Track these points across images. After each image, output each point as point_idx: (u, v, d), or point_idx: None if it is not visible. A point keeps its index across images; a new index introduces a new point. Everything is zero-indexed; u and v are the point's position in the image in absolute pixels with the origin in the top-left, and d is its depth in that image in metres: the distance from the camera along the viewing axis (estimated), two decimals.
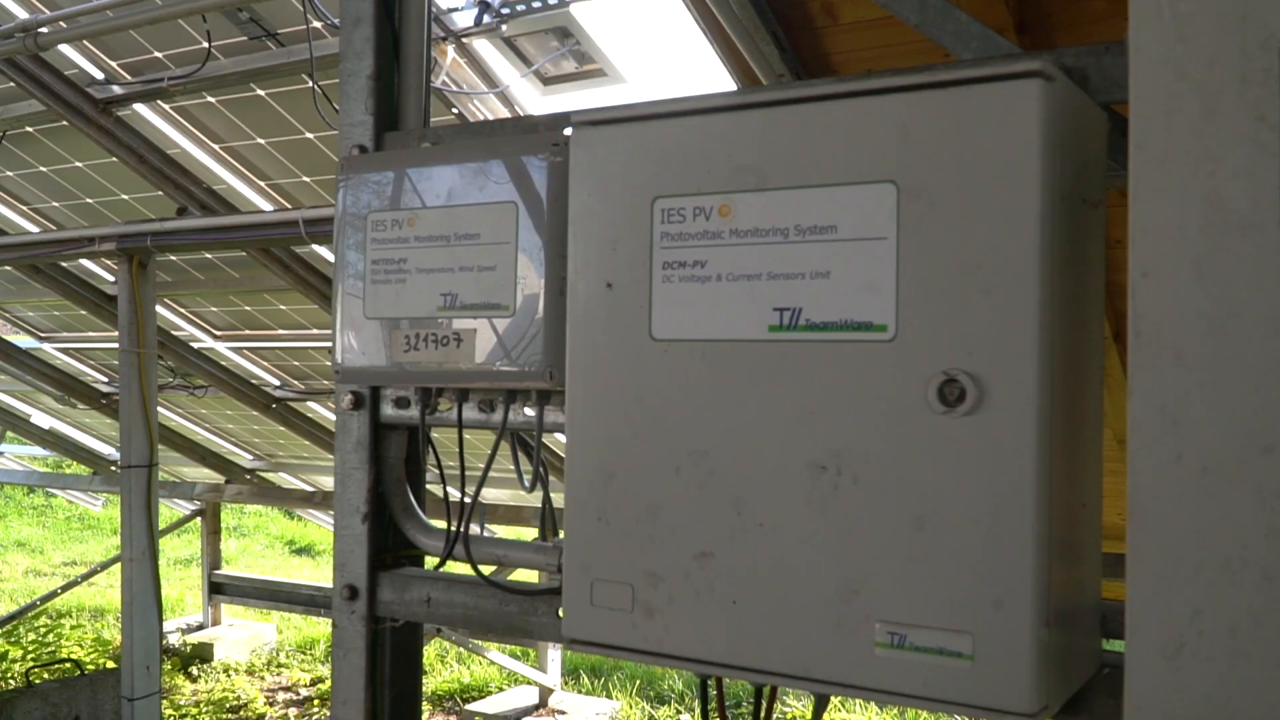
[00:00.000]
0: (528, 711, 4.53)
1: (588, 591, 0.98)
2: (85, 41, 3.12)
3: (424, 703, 1.81)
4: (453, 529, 1.31)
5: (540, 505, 1.32)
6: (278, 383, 4.83)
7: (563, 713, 4.53)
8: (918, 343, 0.83)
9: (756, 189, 0.91)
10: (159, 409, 3.70)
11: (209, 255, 4.00)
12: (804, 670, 0.88)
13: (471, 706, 4.58)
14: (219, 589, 5.12)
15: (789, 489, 0.88)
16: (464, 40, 2.86)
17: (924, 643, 0.83)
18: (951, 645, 0.82)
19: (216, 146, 3.51)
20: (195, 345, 4.58)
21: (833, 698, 1.05)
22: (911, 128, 0.84)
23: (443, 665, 5.21)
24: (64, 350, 5.16)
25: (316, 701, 4.75)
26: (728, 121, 0.93)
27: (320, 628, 5.59)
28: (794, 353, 0.88)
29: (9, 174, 3.96)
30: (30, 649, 4.58)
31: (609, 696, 4.79)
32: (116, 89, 3.29)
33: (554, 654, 4.64)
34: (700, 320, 0.93)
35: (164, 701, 4.16)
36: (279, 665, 5.28)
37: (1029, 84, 0.80)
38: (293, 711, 4.65)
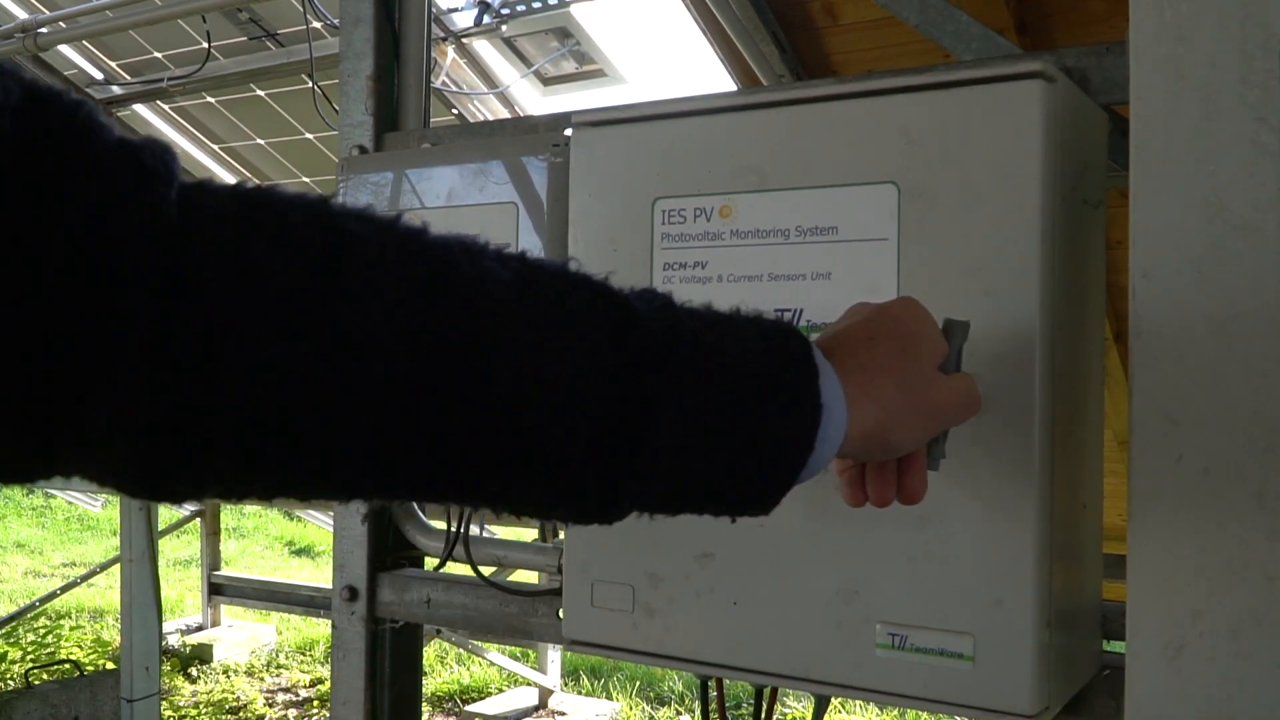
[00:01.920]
0: (527, 712, 4.53)
1: (588, 592, 0.98)
2: (85, 42, 3.12)
3: (424, 704, 1.81)
4: (452, 530, 1.30)
5: None
6: None
7: (562, 714, 4.52)
8: None
9: (757, 190, 0.90)
10: None
11: None
12: (804, 671, 0.88)
13: (471, 707, 4.57)
14: (218, 590, 5.11)
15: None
16: (464, 40, 2.86)
17: (925, 644, 0.82)
18: (952, 646, 0.81)
19: (216, 147, 3.51)
20: None
21: (833, 699, 1.05)
22: (913, 129, 0.84)
23: (442, 666, 5.21)
24: None
25: (316, 702, 4.74)
26: (728, 122, 0.93)
27: (320, 629, 5.58)
28: None
29: None
30: (29, 650, 4.58)
31: (609, 698, 4.79)
32: (116, 89, 3.29)
33: (554, 655, 4.63)
34: None
35: (163, 702, 4.16)
36: (278, 666, 5.28)
37: (1030, 85, 0.80)
38: (292, 712, 4.65)
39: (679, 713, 4.63)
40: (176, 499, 0.43)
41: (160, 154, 0.39)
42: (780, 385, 0.53)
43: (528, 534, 1.70)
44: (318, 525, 7.24)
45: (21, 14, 3.00)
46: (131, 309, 0.37)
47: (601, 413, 0.48)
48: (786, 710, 4.18)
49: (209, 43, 2.93)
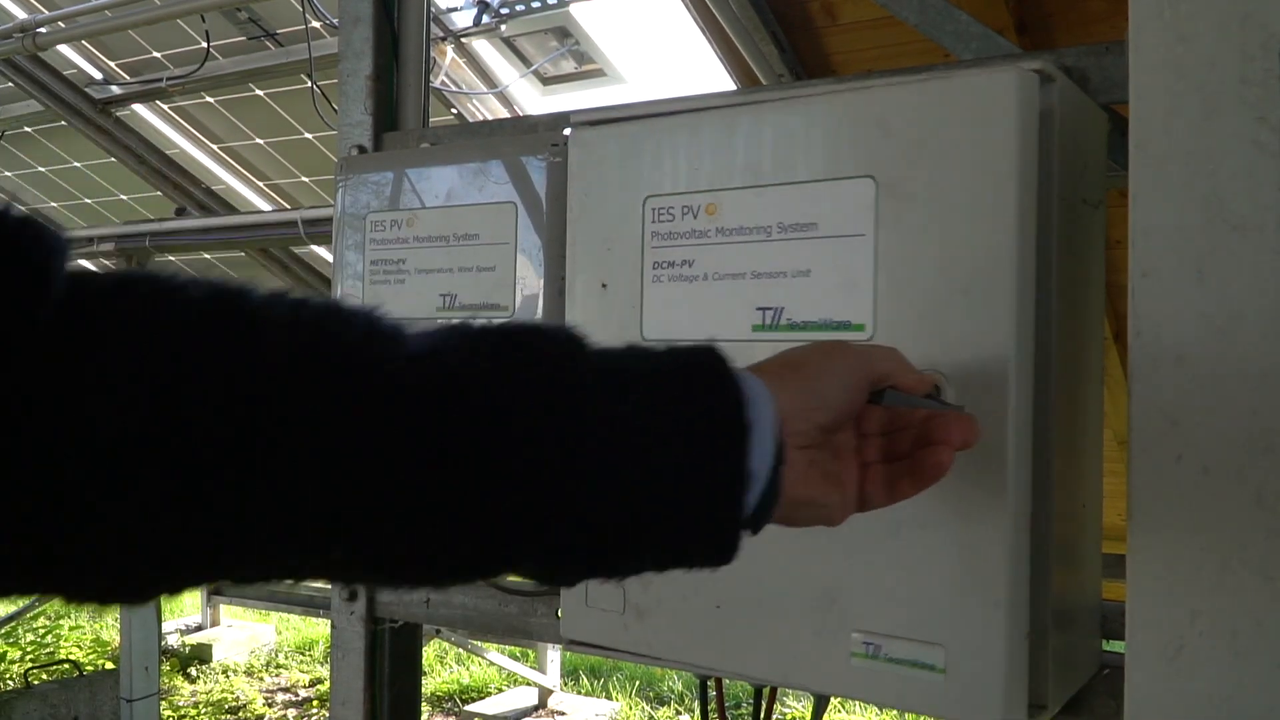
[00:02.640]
0: (527, 712, 4.53)
1: (584, 592, 0.97)
2: (84, 41, 3.12)
3: (423, 704, 1.81)
4: None
5: None
6: None
7: (562, 714, 4.52)
8: (895, 342, 0.77)
9: (741, 187, 0.89)
10: None
11: (208, 256, 4.00)
12: (784, 677, 0.86)
13: (471, 707, 4.57)
14: (218, 590, 5.11)
15: None
16: (463, 40, 2.86)
17: (898, 654, 0.80)
18: (924, 657, 0.79)
19: (215, 146, 3.51)
20: None
21: (833, 698, 1.04)
22: (891, 122, 0.81)
23: (442, 666, 5.21)
24: None
25: (315, 702, 4.74)
26: (715, 120, 0.91)
27: (319, 629, 5.58)
28: (753, 357, 0.84)
29: (8, 174, 3.95)
30: (29, 650, 4.57)
31: (608, 697, 4.79)
32: (115, 89, 3.29)
33: (553, 655, 4.64)
34: (687, 320, 0.91)
35: (163, 702, 4.16)
36: (278, 666, 5.28)
37: (1006, 73, 0.77)
38: (292, 712, 4.65)
39: (678, 713, 4.63)
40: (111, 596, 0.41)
41: (55, 231, 0.39)
42: (696, 371, 0.51)
43: None
44: None
45: (21, 14, 3.00)
46: (25, 377, 0.35)
47: (530, 436, 0.45)
48: (786, 710, 4.18)
49: (208, 42, 2.93)
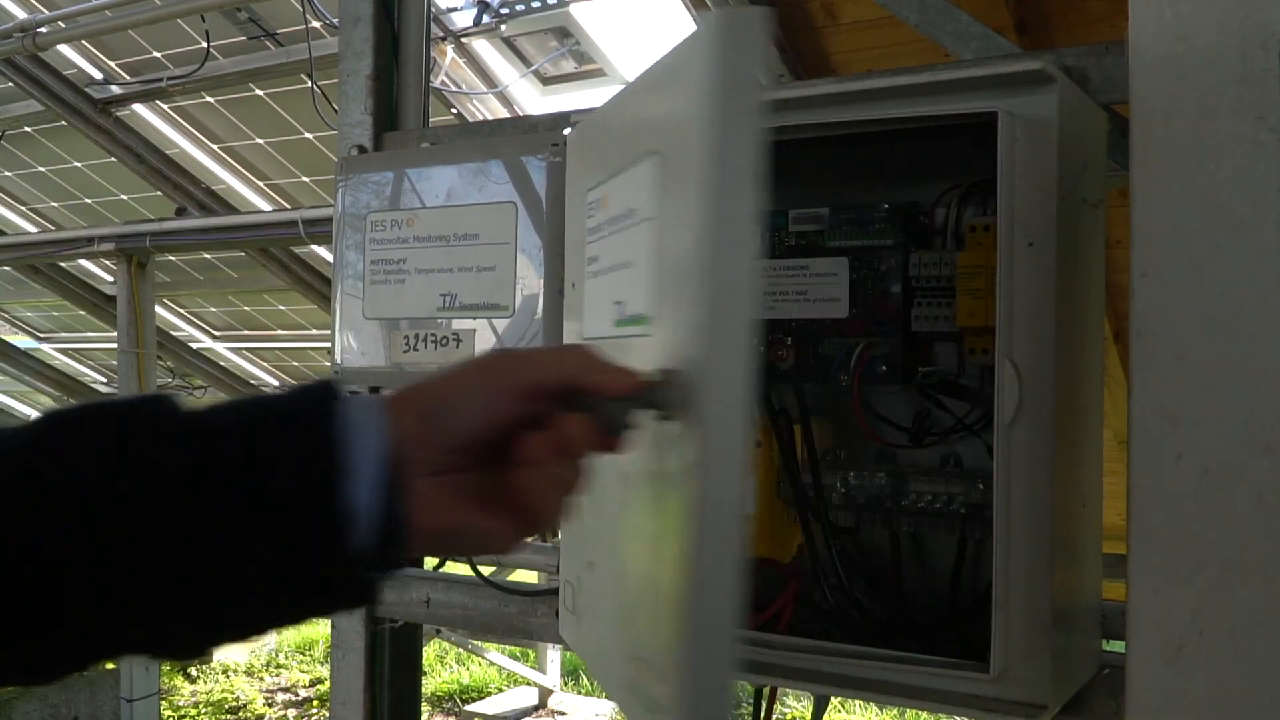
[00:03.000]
0: (527, 712, 4.53)
1: (565, 594, 0.96)
2: (84, 41, 3.12)
3: (423, 704, 1.81)
4: None
5: None
6: (277, 383, 4.83)
7: (562, 713, 4.52)
8: (664, 339, 0.65)
9: (613, 175, 0.81)
10: None
11: (208, 255, 4.00)
12: (617, 695, 0.75)
13: (471, 707, 4.57)
14: None
15: (613, 498, 0.71)
16: (463, 40, 2.86)
17: (644, 685, 0.66)
18: (656, 692, 0.63)
19: (215, 146, 3.51)
20: (194, 346, 4.58)
21: (833, 698, 1.04)
22: (676, 91, 0.68)
23: (442, 666, 5.21)
24: (63, 351, 5.16)
25: (316, 702, 4.74)
26: (609, 111, 0.87)
27: (319, 628, 5.58)
28: (621, 353, 0.64)
29: (8, 174, 3.95)
30: None
31: (609, 697, 4.79)
32: (115, 89, 3.29)
33: (553, 655, 4.64)
34: (594, 316, 0.85)
35: (163, 702, 4.16)
36: (278, 666, 5.28)
37: (713, 15, 0.66)
38: (292, 712, 4.65)
39: None
40: None
41: None
42: (285, 416, 0.50)
43: None
44: None
45: (21, 14, 3.00)
46: None
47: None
48: (786, 710, 4.18)
49: (208, 42, 2.93)
